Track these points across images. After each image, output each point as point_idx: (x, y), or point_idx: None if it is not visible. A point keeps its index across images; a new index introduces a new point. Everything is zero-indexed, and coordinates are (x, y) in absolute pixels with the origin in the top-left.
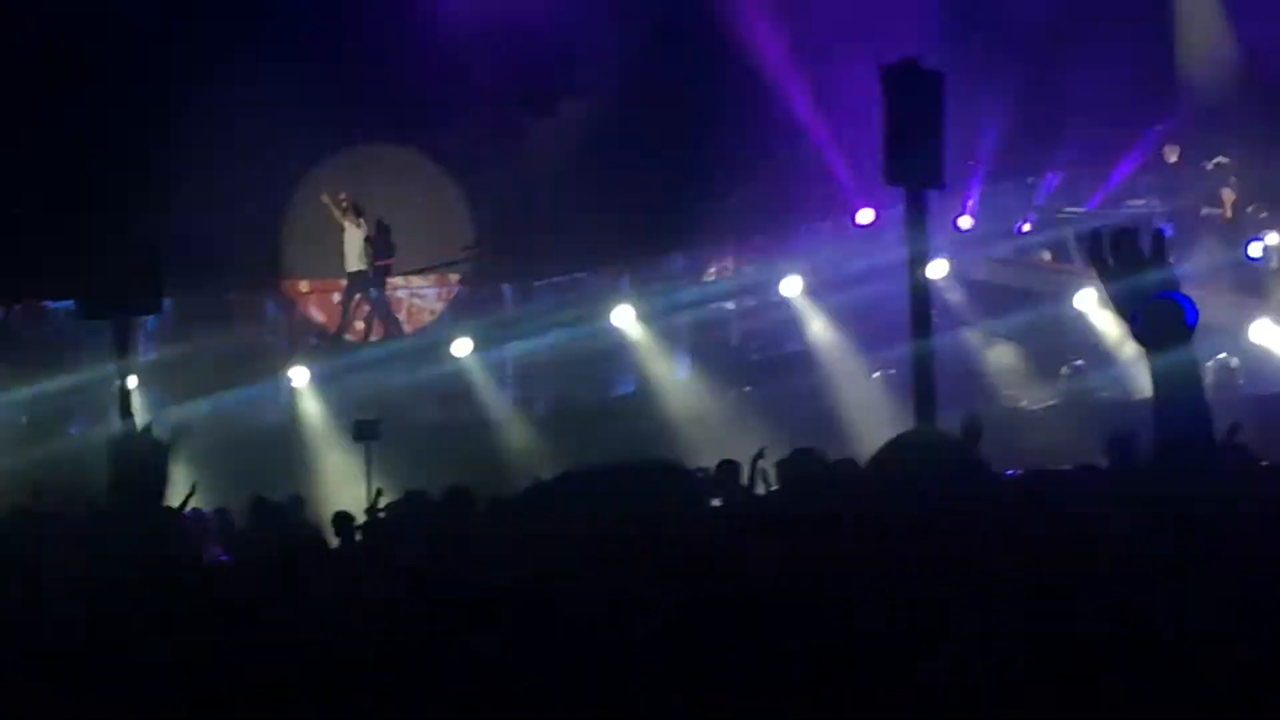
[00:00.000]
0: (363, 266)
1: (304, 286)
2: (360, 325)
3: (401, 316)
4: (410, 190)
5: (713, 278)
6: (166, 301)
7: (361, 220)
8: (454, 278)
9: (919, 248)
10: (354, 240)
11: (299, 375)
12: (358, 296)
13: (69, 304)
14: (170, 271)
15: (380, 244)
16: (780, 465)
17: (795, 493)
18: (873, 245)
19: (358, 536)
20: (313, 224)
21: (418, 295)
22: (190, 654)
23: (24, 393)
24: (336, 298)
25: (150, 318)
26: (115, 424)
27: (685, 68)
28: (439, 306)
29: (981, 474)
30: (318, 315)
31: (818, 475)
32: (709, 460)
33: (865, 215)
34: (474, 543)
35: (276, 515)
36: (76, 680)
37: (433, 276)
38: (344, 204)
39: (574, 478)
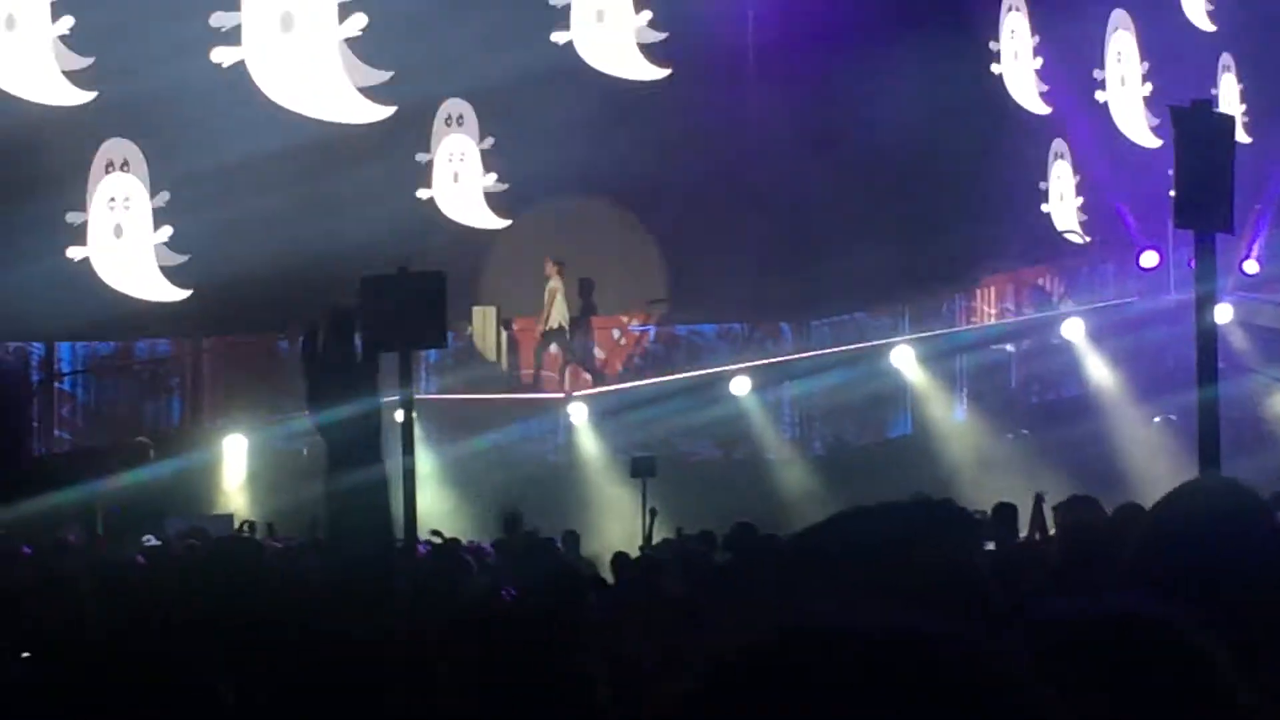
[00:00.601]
0: (564, 324)
1: None
2: (552, 375)
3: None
4: (601, 238)
5: (993, 319)
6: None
7: (563, 279)
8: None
9: (1206, 291)
10: (558, 298)
11: (577, 411)
12: (553, 348)
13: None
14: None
15: (585, 303)
16: (1056, 510)
17: (1072, 540)
18: (1155, 288)
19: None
20: (507, 265)
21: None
22: (469, 688)
23: (305, 424)
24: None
25: (433, 351)
26: (396, 457)
27: (967, 106)
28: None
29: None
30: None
31: (1095, 523)
32: (987, 504)
33: (1149, 258)
34: (744, 580)
35: (550, 551)
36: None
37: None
38: (559, 269)
39: (847, 518)
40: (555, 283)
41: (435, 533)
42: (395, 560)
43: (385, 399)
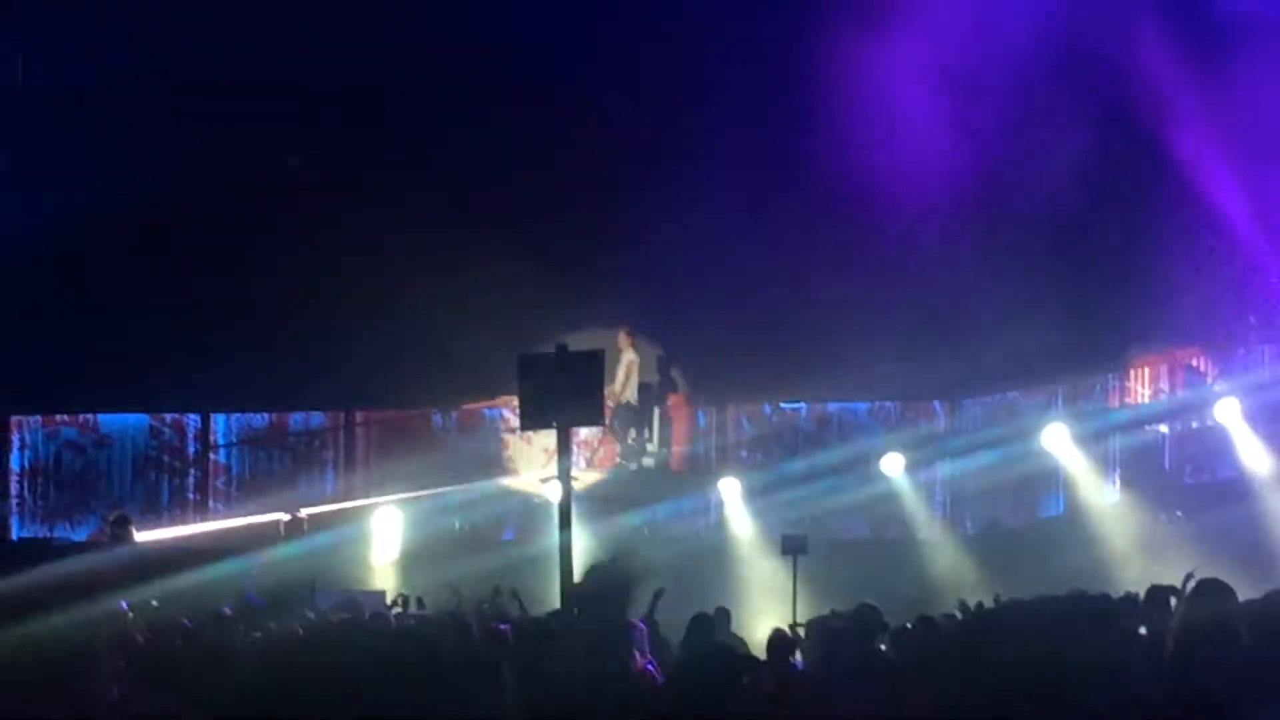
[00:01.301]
0: (633, 400)
1: None
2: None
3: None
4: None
5: (1146, 399)
6: None
7: (637, 351)
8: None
9: None
10: (631, 373)
11: (729, 487)
12: (630, 429)
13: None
14: None
15: (663, 379)
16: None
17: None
18: None
19: (796, 659)
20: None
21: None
22: None
23: (459, 499)
24: None
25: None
26: (553, 534)
27: (1121, 182)
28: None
29: None
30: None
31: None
32: (1141, 586)
33: None
34: (883, 665)
35: (704, 629)
36: None
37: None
38: (632, 340)
39: (1005, 611)
40: (630, 355)
41: None
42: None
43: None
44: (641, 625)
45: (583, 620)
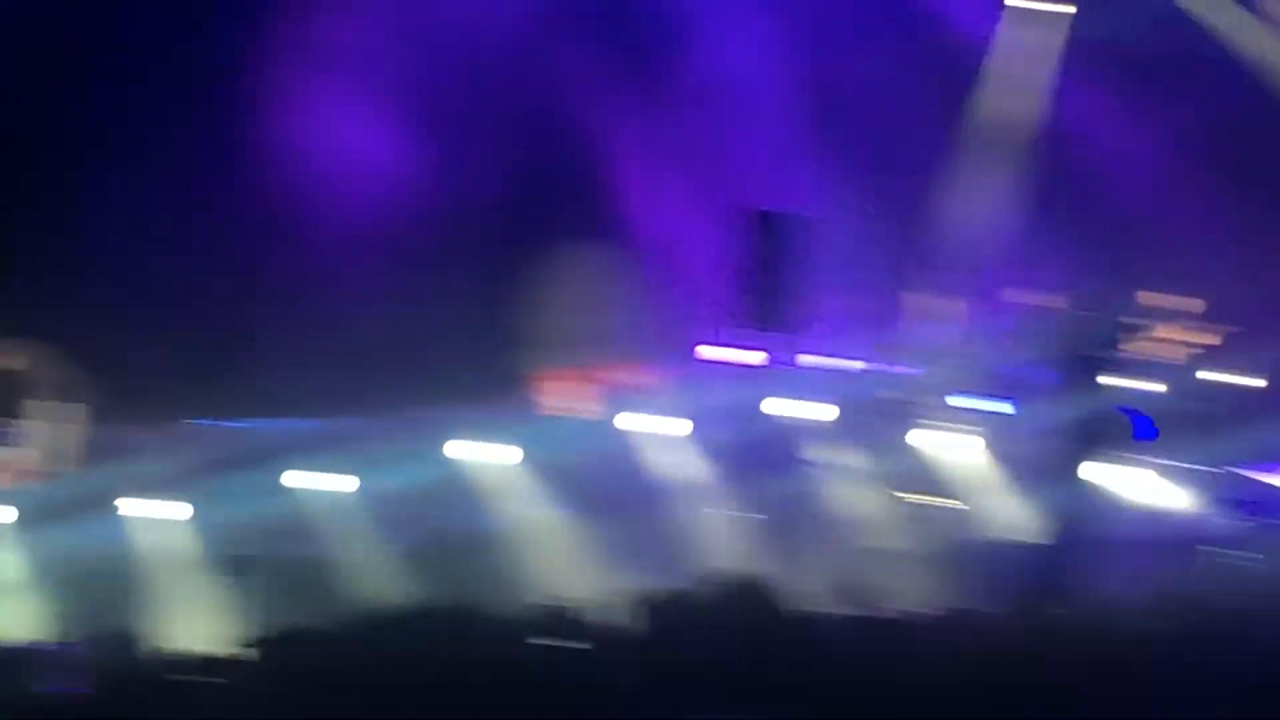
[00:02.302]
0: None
1: None
2: None
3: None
4: None
5: (576, 412)
6: None
7: None
8: None
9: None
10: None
11: (161, 507)
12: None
13: None
14: None
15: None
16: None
17: None
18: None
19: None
20: None
21: None
22: None
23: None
24: None
25: None
26: None
27: (534, 198)
28: None
29: None
30: None
31: None
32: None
33: (710, 352)
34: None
35: (123, 647)
36: None
37: None
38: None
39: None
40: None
41: None
42: None
43: None
44: (56, 647)
45: None
